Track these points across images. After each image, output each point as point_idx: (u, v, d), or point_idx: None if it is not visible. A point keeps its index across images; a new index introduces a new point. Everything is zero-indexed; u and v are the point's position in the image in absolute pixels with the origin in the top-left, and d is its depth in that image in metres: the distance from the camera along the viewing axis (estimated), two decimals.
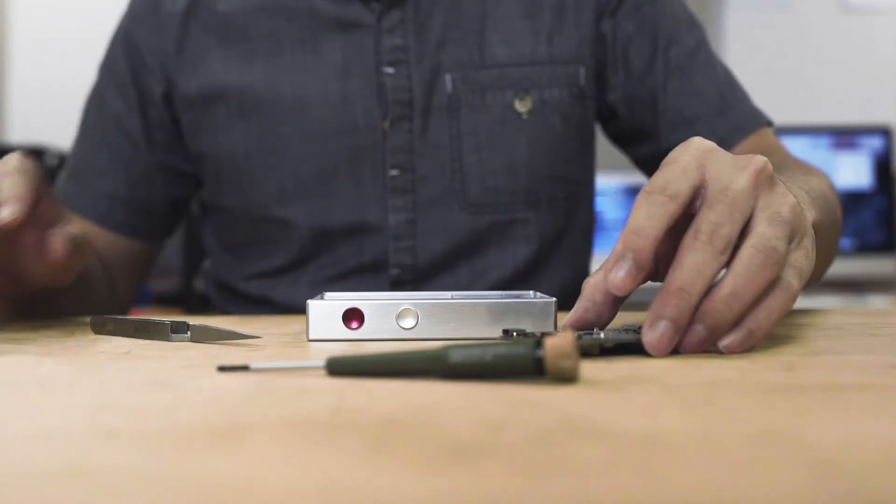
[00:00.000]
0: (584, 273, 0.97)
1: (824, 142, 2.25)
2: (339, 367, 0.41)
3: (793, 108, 2.48)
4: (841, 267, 2.14)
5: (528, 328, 0.54)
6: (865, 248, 2.20)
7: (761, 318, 0.46)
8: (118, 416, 0.35)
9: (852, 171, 2.24)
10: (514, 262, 0.92)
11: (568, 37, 0.90)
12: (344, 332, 0.54)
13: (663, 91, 0.91)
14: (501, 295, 0.57)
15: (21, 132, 2.75)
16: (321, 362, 0.41)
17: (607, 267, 0.47)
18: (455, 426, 0.32)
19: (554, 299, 0.55)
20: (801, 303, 0.60)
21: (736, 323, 0.46)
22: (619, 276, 0.46)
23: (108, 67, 0.96)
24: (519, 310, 0.55)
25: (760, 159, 0.48)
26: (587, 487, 0.25)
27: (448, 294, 0.58)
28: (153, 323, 0.56)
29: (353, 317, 0.54)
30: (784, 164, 0.81)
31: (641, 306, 0.67)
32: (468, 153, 0.89)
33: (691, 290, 0.45)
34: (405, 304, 0.54)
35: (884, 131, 2.27)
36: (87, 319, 0.61)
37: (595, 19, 0.91)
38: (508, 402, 0.36)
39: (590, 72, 0.91)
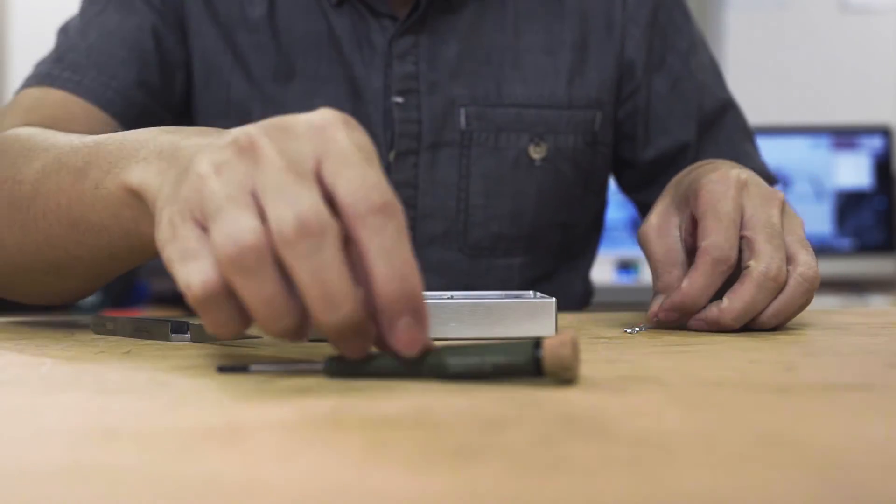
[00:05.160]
0: (574, 297, 0.94)
1: (824, 142, 2.25)
2: (339, 368, 0.41)
3: (793, 108, 2.48)
4: (841, 267, 2.14)
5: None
6: (865, 248, 2.20)
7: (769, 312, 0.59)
8: (118, 416, 0.35)
9: (852, 171, 2.24)
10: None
11: (588, 79, 0.87)
12: None
13: (699, 150, 0.89)
14: (501, 295, 0.57)
15: None
16: (321, 363, 0.41)
17: (662, 305, 0.60)
18: (455, 426, 0.32)
19: (553, 299, 0.55)
20: None
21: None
22: (662, 318, 0.60)
23: None
24: (519, 310, 0.55)
25: (780, 194, 0.61)
26: (587, 487, 0.25)
27: (448, 294, 0.58)
28: (153, 323, 0.56)
29: None
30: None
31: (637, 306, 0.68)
32: (475, 196, 0.85)
33: (742, 319, 0.58)
34: None
35: (884, 131, 2.27)
36: (88, 319, 0.61)
37: (616, 66, 0.88)
38: (508, 402, 0.36)
39: (606, 118, 0.88)
